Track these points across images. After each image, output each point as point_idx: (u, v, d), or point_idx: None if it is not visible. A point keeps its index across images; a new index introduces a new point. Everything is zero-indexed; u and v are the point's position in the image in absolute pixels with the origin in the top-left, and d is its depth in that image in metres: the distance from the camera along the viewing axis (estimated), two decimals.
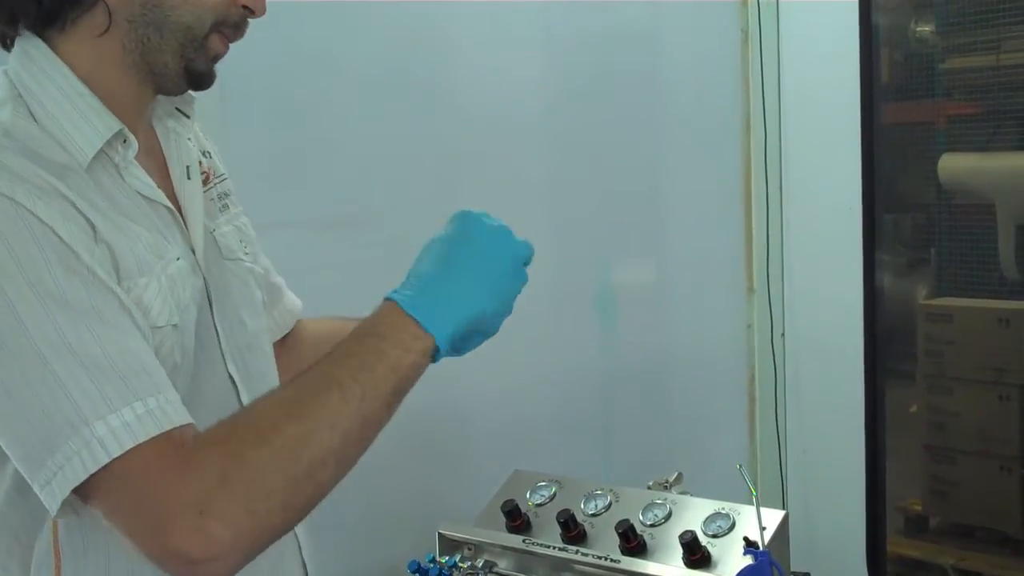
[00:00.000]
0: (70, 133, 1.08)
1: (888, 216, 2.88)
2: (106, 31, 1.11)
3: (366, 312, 1.13)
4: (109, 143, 1.11)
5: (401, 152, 2.26)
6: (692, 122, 2.83)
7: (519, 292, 1.17)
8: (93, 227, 1.04)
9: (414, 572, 1.77)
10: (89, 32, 1.11)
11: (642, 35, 2.75)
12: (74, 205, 1.03)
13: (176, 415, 1.01)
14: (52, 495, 0.99)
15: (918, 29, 2.98)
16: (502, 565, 1.75)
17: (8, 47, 1.15)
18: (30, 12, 1.10)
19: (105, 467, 0.97)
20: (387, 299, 1.11)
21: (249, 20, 1.18)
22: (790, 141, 2.88)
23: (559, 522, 1.71)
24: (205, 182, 1.27)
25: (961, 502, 2.88)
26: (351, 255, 2.17)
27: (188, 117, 1.28)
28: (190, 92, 1.22)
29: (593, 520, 1.74)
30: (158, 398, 1.00)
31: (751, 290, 2.93)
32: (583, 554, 1.67)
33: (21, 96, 1.10)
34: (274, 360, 1.33)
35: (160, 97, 1.22)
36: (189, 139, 1.27)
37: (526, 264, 1.18)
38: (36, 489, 1.00)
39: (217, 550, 0.97)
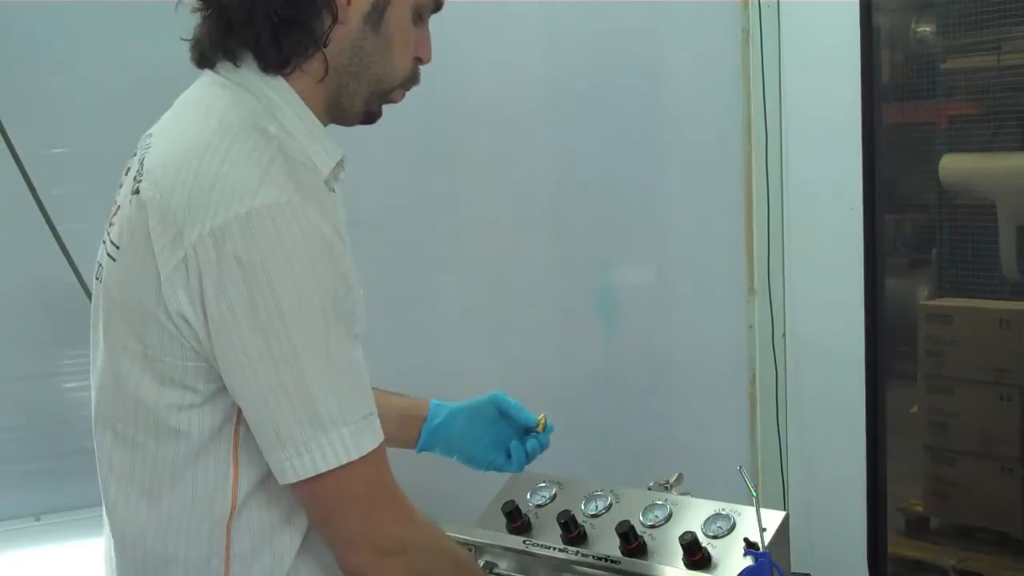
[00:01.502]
0: (309, 154, 1.27)
1: (889, 217, 2.87)
2: (324, 78, 1.30)
3: None
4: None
5: (402, 152, 2.26)
6: (692, 122, 2.83)
7: None
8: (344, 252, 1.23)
9: None
10: (308, 76, 1.30)
11: (643, 35, 2.74)
12: (341, 237, 1.22)
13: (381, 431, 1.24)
14: (289, 470, 1.19)
15: (919, 29, 2.98)
16: (503, 566, 1.75)
17: (205, 67, 1.32)
18: (271, 57, 1.28)
19: (337, 468, 1.19)
20: None
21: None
22: (790, 141, 2.88)
23: (559, 523, 1.71)
24: None
25: (962, 503, 2.88)
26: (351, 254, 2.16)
27: None
28: None
29: (593, 521, 1.74)
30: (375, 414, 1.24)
31: (752, 291, 2.93)
32: (583, 555, 1.66)
33: (273, 112, 1.27)
34: None
35: None
36: None
37: None
38: (268, 456, 1.21)
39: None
